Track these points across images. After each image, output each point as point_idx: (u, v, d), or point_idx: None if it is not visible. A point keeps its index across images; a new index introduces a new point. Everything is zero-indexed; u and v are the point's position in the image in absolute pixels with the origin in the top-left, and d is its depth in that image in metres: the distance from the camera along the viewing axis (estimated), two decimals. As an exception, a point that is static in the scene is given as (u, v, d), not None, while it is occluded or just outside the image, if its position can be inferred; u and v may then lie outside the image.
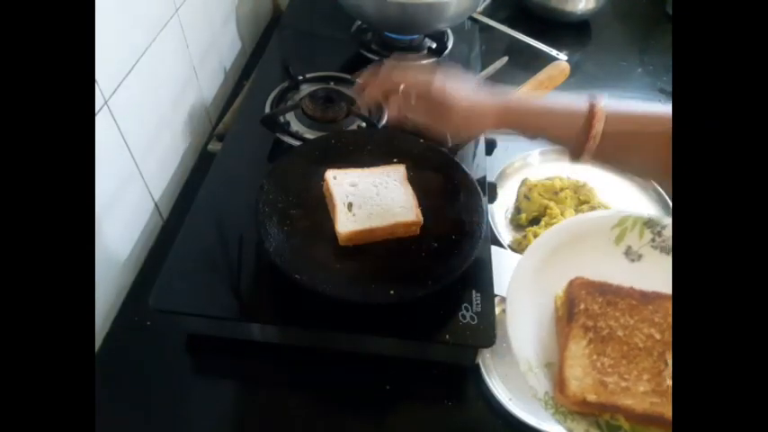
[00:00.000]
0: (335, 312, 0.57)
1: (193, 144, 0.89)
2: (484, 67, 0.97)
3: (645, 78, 1.11)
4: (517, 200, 0.81)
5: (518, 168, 0.88)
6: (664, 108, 0.50)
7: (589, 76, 1.09)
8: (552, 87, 0.78)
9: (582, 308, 0.48)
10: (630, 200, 0.84)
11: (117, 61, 0.64)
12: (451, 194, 0.68)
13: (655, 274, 0.52)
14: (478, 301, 0.60)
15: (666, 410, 0.43)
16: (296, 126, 0.81)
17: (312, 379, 0.62)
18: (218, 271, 0.63)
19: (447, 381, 0.62)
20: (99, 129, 0.60)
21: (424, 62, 0.97)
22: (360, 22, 1.05)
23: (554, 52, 1.07)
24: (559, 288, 0.52)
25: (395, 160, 0.71)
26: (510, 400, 0.60)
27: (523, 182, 0.82)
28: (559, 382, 0.45)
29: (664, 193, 0.84)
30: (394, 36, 1.00)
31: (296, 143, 0.77)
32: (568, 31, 1.23)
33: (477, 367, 0.62)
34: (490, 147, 0.83)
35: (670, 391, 0.43)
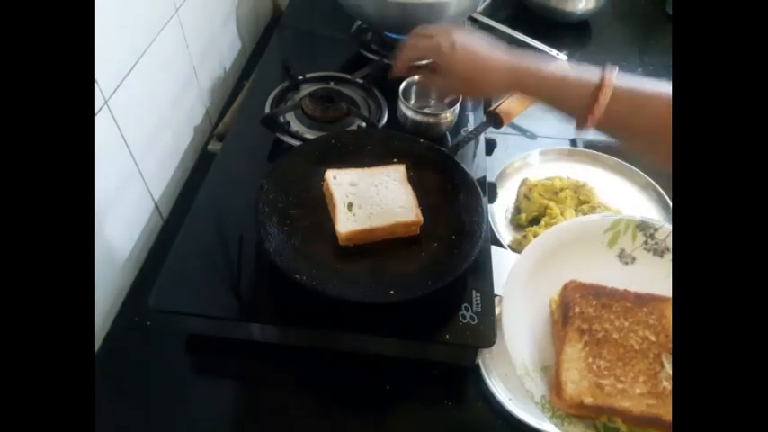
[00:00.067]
0: (335, 312, 0.57)
1: (193, 144, 0.89)
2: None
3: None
4: (517, 200, 0.81)
5: (518, 168, 0.88)
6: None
7: (589, 76, 1.09)
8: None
9: (577, 311, 0.49)
10: (630, 200, 0.84)
11: (117, 61, 0.64)
12: (451, 194, 0.68)
13: (648, 277, 0.52)
14: (478, 301, 0.60)
15: (663, 412, 0.43)
16: (296, 126, 0.81)
17: (312, 379, 0.62)
18: (218, 271, 0.63)
19: (447, 381, 0.62)
20: (99, 129, 0.60)
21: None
22: (360, 22, 1.05)
23: (554, 52, 1.07)
24: (554, 292, 0.52)
25: (395, 160, 0.71)
26: (510, 400, 0.60)
27: (523, 182, 0.82)
28: (556, 386, 0.45)
29: (664, 193, 0.84)
30: (394, 36, 1.00)
31: (296, 143, 0.77)
32: (568, 31, 1.23)
33: (477, 367, 0.62)
34: (490, 147, 0.84)
35: (666, 392, 0.43)
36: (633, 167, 0.87)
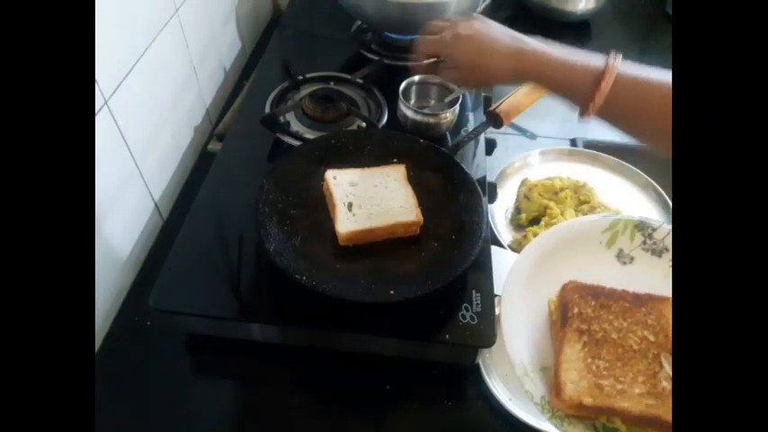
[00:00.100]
0: (335, 312, 0.57)
1: (193, 144, 0.89)
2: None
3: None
4: (517, 200, 0.81)
5: (518, 168, 0.88)
6: None
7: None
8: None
9: (575, 312, 0.49)
10: (630, 200, 0.84)
11: (117, 61, 0.64)
12: (451, 194, 0.68)
13: (647, 277, 0.52)
14: (478, 301, 0.60)
15: (662, 412, 0.43)
16: (296, 126, 0.81)
17: (312, 379, 0.62)
18: (218, 271, 0.63)
19: (447, 381, 0.62)
20: (99, 129, 0.60)
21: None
22: (360, 22, 1.05)
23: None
24: (552, 292, 0.52)
25: (395, 160, 0.71)
26: (510, 400, 0.60)
27: (523, 182, 0.82)
28: (555, 386, 0.45)
29: (664, 193, 0.84)
30: (394, 36, 1.00)
31: (296, 143, 0.77)
32: (568, 31, 1.23)
33: (477, 367, 0.62)
34: (490, 147, 0.83)
35: (665, 392, 0.43)
36: (633, 167, 0.87)
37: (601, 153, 0.90)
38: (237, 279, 0.63)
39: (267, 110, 0.83)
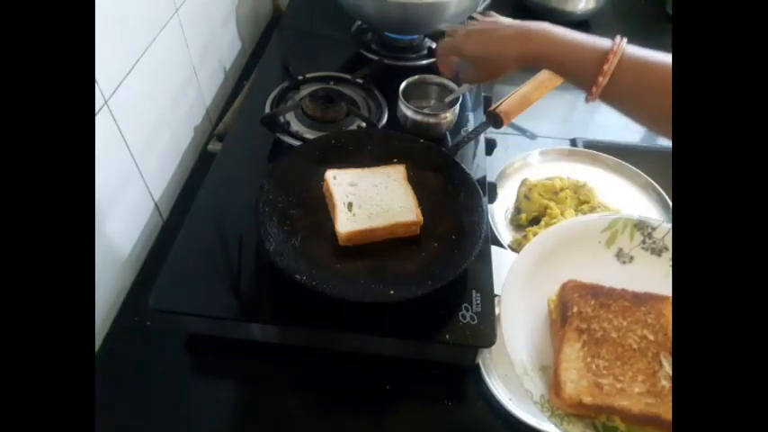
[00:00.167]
0: (335, 312, 0.57)
1: (193, 144, 0.89)
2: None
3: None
4: (517, 200, 0.81)
5: (518, 168, 0.88)
6: None
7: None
8: (552, 87, 0.78)
9: (575, 311, 0.49)
10: (630, 200, 0.84)
11: (117, 61, 0.64)
12: (451, 194, 0.68)
13: (646, 276, 0.52)
14: (478, 301, 0.60)
15: (662, 411, 0.43)
16: (296, 126, 0.81)
17: (312, 379, 0.62)
18: (218, 271, 0.63)
19: (447, 381, 0.62)
20: (99, 129, 0.60)
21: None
22: (360, 22, 1.05)
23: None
24: (552, 292, 0.52)
25: (395, 160, 0.71)
26: (510, 400, 0.60)
27: (523, 182, 0.82)
28: (555, 385, 0.45)
29: (664, 193, 0.84)
30: (394, 36, 1.00)
31: (296, 143, 0.77)
32: (568, 31, 1.23)
33: (477, 367, 0.62)
34: (490, 147, 0.84)
35: (665, 391, 0.44)
36: (633, 167, 0.87)
37: (601, 153, 0.90)
38: (237, 279, 0.63)
39: (267, 110, 0.83)
